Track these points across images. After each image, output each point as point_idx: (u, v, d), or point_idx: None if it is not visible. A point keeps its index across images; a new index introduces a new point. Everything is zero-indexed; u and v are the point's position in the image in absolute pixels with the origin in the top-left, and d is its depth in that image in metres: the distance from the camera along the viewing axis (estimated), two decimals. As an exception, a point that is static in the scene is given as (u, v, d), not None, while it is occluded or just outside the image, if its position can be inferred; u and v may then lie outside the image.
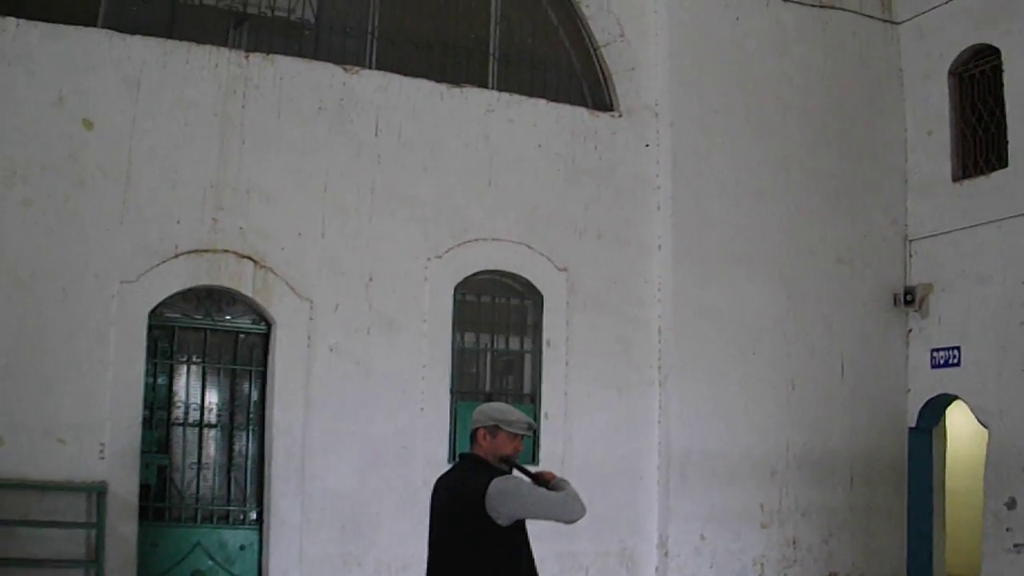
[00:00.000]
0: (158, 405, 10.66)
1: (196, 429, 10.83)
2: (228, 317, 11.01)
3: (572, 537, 11.36)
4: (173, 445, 10.73)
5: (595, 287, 12.21)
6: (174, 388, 10.81)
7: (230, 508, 10.83)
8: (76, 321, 10.13)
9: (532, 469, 6.17)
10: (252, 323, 11.02)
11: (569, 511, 5.80)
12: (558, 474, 6.14)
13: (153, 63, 10.67)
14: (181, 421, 10.78)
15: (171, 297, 10.59)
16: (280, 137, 11.06)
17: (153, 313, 10.47)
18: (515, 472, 5.94)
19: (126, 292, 10.30)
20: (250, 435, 10.98)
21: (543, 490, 5.83)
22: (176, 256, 10.54)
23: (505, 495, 5.63)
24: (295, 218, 11.00)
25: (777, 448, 12.63)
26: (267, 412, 10.86)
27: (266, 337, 11.00)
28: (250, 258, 10.79)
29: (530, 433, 6.07)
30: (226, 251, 10.73)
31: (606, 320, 12.21)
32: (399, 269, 11.36)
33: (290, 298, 10.89)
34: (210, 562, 10.60)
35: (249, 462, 10.94)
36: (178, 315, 10.79)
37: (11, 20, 10.19)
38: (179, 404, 10.80)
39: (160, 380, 10.71)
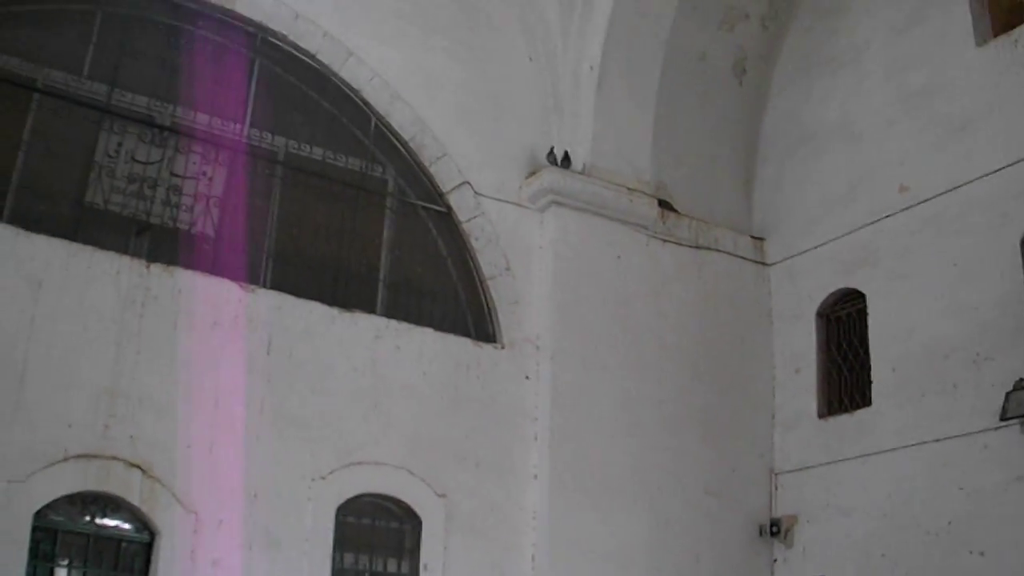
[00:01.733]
0: None
1: None
2: (113, 524, 11.43)
3: None
4: None
5: (473, 513, 13.01)
6: None
7: None
8: None
9: None
10: (136, 531, 11.43)
11: None
12: None
13: (56, 264, 11.36)
14: None
15: (58, 500, 10.97)
16: (175, 349, 11.78)
17: (38, 514, 10.80)
18: None
19: (13, 492, 10.63)
20: None
21: None
22: (65, 459, 10.97)
23: None
24: (185, 430, 11.60)
25: None
26: None
27: (149, 546, 11.43)
28: (139, 467, 11.31)
29: None
30: (115, 458, 11.23)
31: (482, 546, 12.99)
32: (284, 488, 12.01)
33: (176, 509, 11.40)
34: None
35: None
36: (62, 518, 11.11)
37: (-84, 208, 10.85)
38: None
39: None
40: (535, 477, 13.57)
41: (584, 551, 13.38)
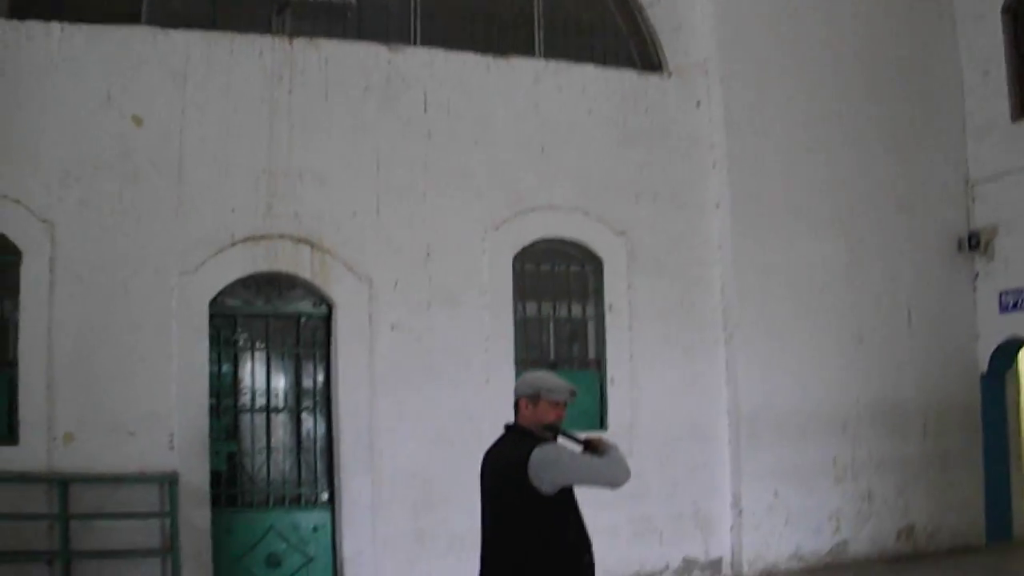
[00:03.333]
0: (224, 393, 10.40)
1: (263, 414, 10.53)
2: (288, 302, 10.68)
3: (645, 500, 11.19)
4: (241, 431, 10.48)
5: (654, 249, 11.69)
6: (239, 375, 10.54)
7: (301, 491, 10.55)
8: (138, 315, 9.95)
9: (582, 435, 5.81)
10: (313, 306, 10.67)
11: (611, 476, 5.49)
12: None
13: (198, 56, 10.41)
14: (248, 407, 10.51)
15: (231, 285, 10.33)
16: (329, 120, 10.72)
17: (214, 302, 10.24)
18: (561, 439, 5.64)
19: (185, 283, 10.08)
20: (317, 417, 10.66)
21: (585, 456, 5.55)
22: (233, 244, 10.28)
23: (546, 464, 5.34)
24: (349, 199, 10.67)
25: (847, 401, 12.09)
26: (333, 393, 10.55)
27: (328, 319, 10.66)
28: (307, 241, 10.47)
29: (572, 399, 5.66)
30: (282, 236, 10.43)
31: (667, 282, 11.70)
32: (456, 243, 10.97)
33: (349, 279, 10.54)
34: (284, 545, 10.32)
35: (318, 444, 10.63)
36: (239, 302, 10.51)
37: (55, 25, 10.03)
38: (245, 391, 10.52)
39: (224, 368, 10.45)
40: (716, 206, 12.02)
41: (773, 278, 11.95)
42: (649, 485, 11.23)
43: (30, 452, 9.55)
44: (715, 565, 11.53)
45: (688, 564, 11.42)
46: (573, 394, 5.65)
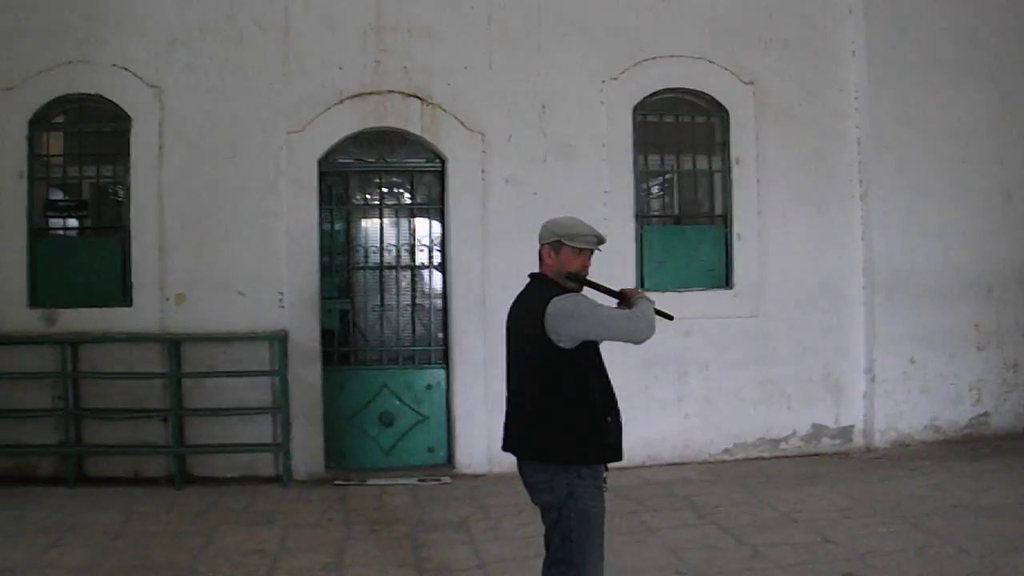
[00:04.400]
0: (337, 251, 9.92)
1: (376, 272, 9.98)
2: (400, 157, 10.03)
3: (773, 363, 10.35)
4: (355, 289, 9.98)
5: (785, 99, 10.50)
6: (352, 233, 10.00)
7: (415, 349, 9.98)
8: (247, 175, 9.60)
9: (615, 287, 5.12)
10: (425, 161, 10.00)
11: (632, 330, 4.78)
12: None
13: None
14: (361, 265, 9.98)
15: (342, 142, 9.79)
16: None
17: (324, 160, 9.74)
18: (586, 290, 4.93)
19: (294, 142, 9.61)
20: (431, 274, 10.06)
21: (605, 308, 4.86)
22: (341, 102, 9.70)
23: (562, 316, 4.72)
24: (459, 52, 9.88)
25: (992, 264, 10.84)
26: (446, 249, 9.90)
27: (441, 174, 9.97)
28: (416, 96, 9.77)
29: (598, 247, 4.99)
30: (391, 91, 9.76)
31: (799, 133, 10.52)
32: (573, 94, 10.04)
33: (460, 133, 9.80)
34: (397, 403, 9.84)
35: (432, 301, 10.04)
36: (350, 160, 9.96)
37: None
38: (358, 248, 10.01)
39: (337, 226, 9.96)
40: (852, 54, 10.70)
41: (914, 129, 10.65)
42: (777, 347, 10.36)
43: (143, 313, 9.44)
44: (845, 433, 10.54)
45: (817, 431, 10.47)
46: (599, 241, 4.97)
